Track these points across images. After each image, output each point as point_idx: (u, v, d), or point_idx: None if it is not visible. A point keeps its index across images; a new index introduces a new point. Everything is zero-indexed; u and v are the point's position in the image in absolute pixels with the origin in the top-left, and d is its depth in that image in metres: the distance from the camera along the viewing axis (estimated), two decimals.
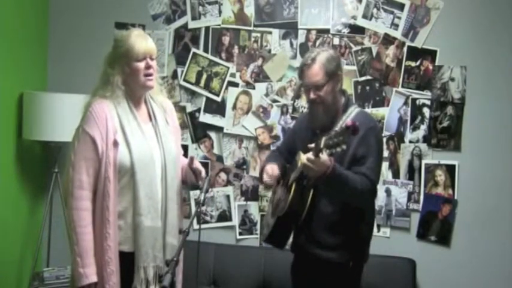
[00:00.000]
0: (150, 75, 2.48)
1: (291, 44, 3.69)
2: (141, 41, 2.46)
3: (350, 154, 2.55)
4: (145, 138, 2.49)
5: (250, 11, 3.71)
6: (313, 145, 2.40)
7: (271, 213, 2.84)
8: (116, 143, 2.42)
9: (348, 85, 3.52)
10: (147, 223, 2.44)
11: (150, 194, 2.45)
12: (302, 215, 2.59)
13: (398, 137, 3.61)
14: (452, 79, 3.54)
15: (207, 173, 3.65)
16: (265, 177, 2.74)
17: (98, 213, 2.41)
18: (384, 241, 3.58)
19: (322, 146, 2.32)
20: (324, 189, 2.55)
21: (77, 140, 2.43)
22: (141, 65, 2.45)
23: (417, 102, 3.59)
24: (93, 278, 2.38)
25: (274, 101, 3.71)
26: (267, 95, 3.72)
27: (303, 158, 2.42)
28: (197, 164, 2.58)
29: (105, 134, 2.41)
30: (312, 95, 2.62)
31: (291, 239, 2.80)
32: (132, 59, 2.44)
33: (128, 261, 2.45)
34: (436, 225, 3.57)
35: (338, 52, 2.85)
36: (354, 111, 2.66)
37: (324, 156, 2.38)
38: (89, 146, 2.40)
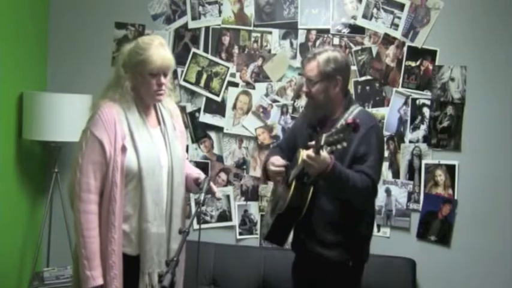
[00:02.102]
0: (161, 91, 2.46)
1: (291, 44, 3.69)
2: (158, 55, 2.41)
3: (351, 152, 2.56)
4: (153, 143, 2.48)
5: (250, 11, 3.71)
6: (313, 142, 2.41)
7: (270, 211, 2.84)
8: (124, 148, 2.41)
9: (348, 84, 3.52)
10: (153, 229, 2.43)
11: (156, 200, 2.45)
12: (302, 212, 2.59)
13: (398, 137, 3.61)
14: (452, 79, 3.55)
15: (207, 173, 3.66)
16: (272, 167, 2.73)
17: (103, 217, 2.41)
18: (384, 241, 3.58)
19: (322, 143, 2.33)
20: (324, 186, 2.55)
21: (85, 143, 2.41)
22: (154, 81, 2.43)
23: (417, 102, 3.59)
24: (99, 281, 2.38)
25: (274, 101, 3.71)
26: (267, 95, 3.72)
27: (303, 154, 2.42)
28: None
29: (113, 139, 2.40)
30: (304, 88, 2.69)
31: (291, 238, 2.80)
32: (146, 71, 2.42)
33: (131, 265, 2.44)
34: (436, 225, 3.57)
35: (345, 56, 2.74)
36: (355, 110, 2.66)
37: (324, 153, 2.38)
38: (97, 150, 2.39)
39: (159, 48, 2.43)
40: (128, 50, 2.50)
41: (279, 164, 2.72)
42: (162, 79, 2.44)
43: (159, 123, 2.56)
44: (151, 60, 2.40)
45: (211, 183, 2.56)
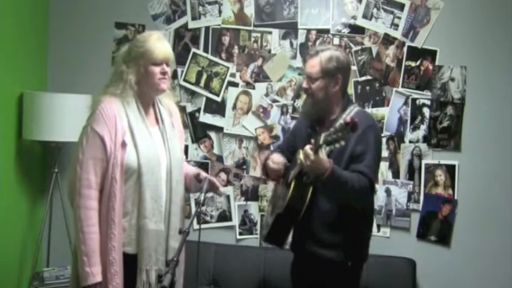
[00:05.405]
0: (164, 79, 2.49)
1: (291, 44, 3.68)
2: (160, 46, 2.46)
3: (348, 152, 2.56)
4: (152, 141, 2.49)
5: (250, 11, 3.71)
6: (312, 142, 2.41)
7: (270, 212, 2.84)
8: (124, 144, 2.41)
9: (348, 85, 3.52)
10: (151, 226, 2.44)
11: (155, 197, 2.45)
12: (301, 212, 2.59)
13: (398, 137, 3.61)
14: (452, 79, 3.55)
15: (206, 173, 3.66)
16: (272, 164, 2.73)
17: (103, 214, 2.41)
18: (384, 241, 3.58)
19: (321, 142, 2.34)
20: (323, 190, 2.55)
21: (85, 139, 2.42)
22: (157, 69, 2.45)
23: (417, 102, 3.59)
24: (98, 278, 2.38)
25: (274, 101, 3.71)
26: (267, 95, 3.72)
27: (302, 152, 2.43)
28: (205, 174, 2.62)
29: (114, 134, 2.40)
30: (304, 84, 2.70)
31: (290, 238, 2.80)
32: (149, 62, 2.45)
33: (130, 263, 2.44)
34: (436, 225, 3.57)
35: (347, 57, 2.76)
36: (353, 110, 2.67)
37: (323, 155, 2.39)
38: (98, 146, 2.39)
39: (158, 40, 2.48)
40: (127, 47, 2.54)
41: (278, 161, 2.73)
42: (165, 67, 2.47)
43: (158, 122, 2.56)
44: (153, 50, 2.44)
45: (214, 179, 2.59)
